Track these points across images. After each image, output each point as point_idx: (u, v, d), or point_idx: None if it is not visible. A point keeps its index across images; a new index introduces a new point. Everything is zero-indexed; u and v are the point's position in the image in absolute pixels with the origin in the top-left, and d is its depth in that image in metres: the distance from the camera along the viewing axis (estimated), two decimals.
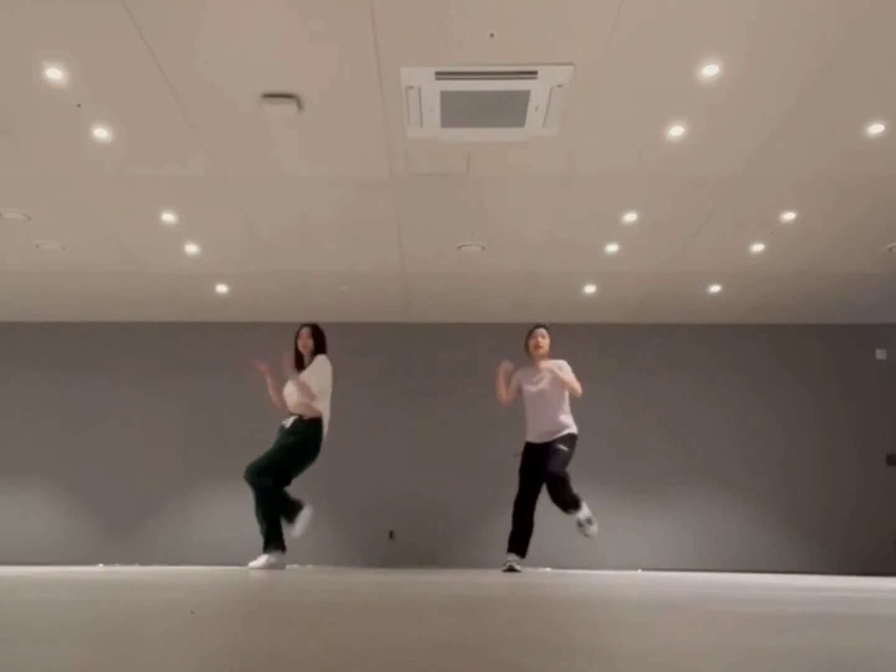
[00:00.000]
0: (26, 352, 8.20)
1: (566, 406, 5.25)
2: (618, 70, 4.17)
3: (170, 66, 4.15)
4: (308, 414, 4.97)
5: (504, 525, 8.02)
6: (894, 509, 7.74)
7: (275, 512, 4.86)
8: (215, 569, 5.44)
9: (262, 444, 7.93)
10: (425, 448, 7.95)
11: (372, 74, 4.21)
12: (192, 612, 1.50)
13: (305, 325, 5.25)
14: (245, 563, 7.45)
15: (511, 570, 5.21)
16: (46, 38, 3.92)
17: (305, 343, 5.14)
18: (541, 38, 3.91)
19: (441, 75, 4.16)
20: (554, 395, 5.22)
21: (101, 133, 4.77)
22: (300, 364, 5.11)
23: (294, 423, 4.98)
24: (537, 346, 5.31)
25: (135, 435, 8.00)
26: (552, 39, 3.92)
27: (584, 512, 5.06)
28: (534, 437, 5.27)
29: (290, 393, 5.02)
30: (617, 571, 6.66)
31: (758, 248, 6.34)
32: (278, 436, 5.05)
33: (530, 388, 5.28)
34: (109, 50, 4.00)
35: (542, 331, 5.38)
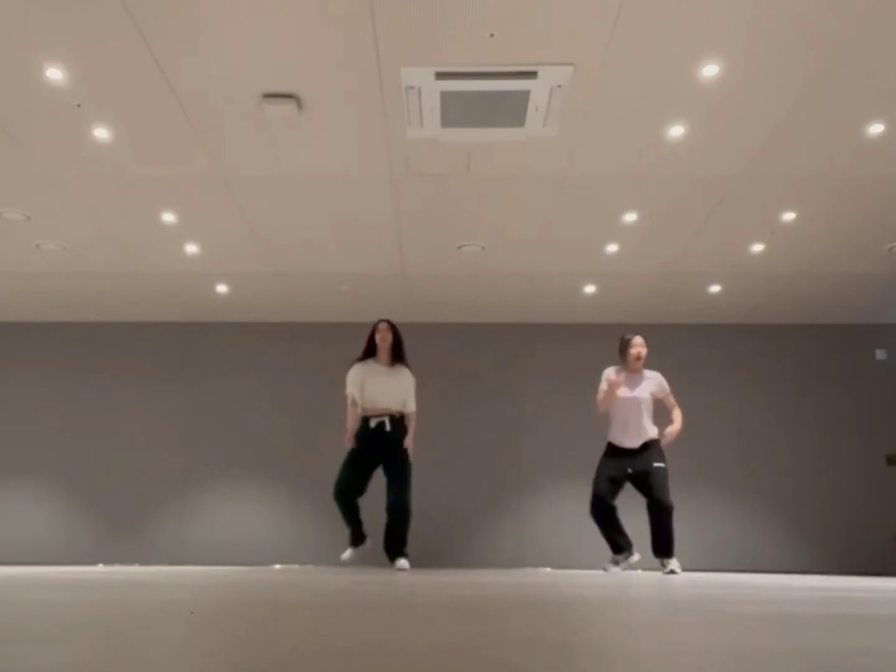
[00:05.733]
0: (26, 352, 8.20)
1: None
2: (618, 70, 4.17)
3: (170, 66, 4.15)
4: (394, 412, 5.12)
5: (503, 525, 8.03)
6: (894, 509, 7.74)
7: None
8: (215, 569, 5.44)
9: (262, 443, 7.98)
10: (425, 448, 7.93)
11: (372, 74, 4.21)
12: (192, 612, 1.50)
13: (383, 320, 5.32)
14: (244, 564, 7.47)
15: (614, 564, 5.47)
16: (46, 38, 3.92)
17: (385, 337, 5.21)
18: (541, 38, 3.91)
19: (441, 75, 4.16)
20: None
21: (101, 133, 4.77)
22: (372, 354, 5.22)
23: (393, 425, 5.08)
24: (638, 357, 5.49)
25: (135, 435, 8.00)
26: (552, 39, 3.92)
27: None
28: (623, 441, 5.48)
29: (385, 392, 5.11)
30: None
31: (758, 248, 6.34)
32: (367, 441, 5.08)
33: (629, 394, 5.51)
34: (109, 50, 4.00)
35: (642, 339, 5.57)
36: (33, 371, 8.15)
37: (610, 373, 5.50)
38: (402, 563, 4.95)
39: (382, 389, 5.13)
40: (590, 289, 7.32)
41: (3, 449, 7.99)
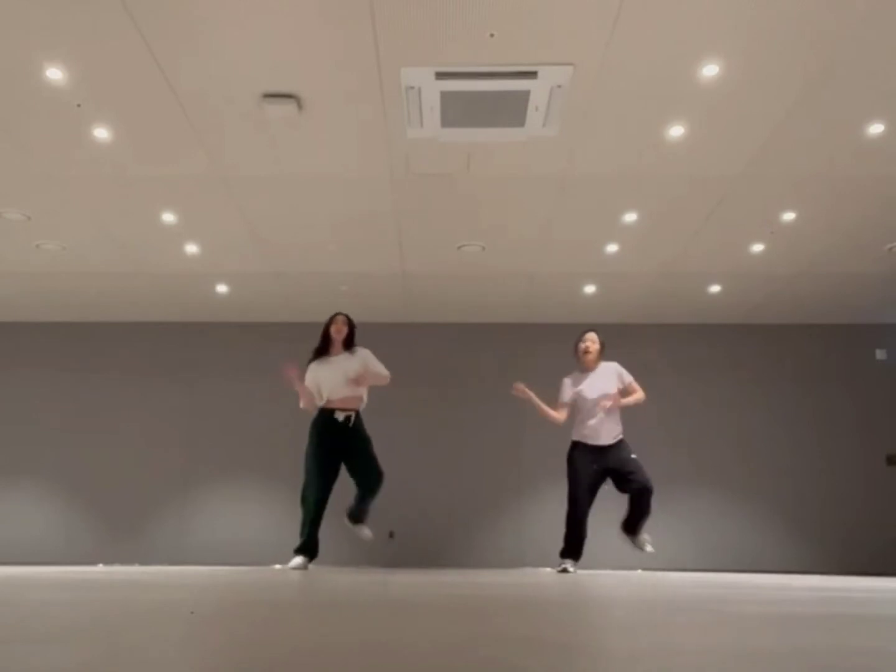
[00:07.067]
0: (26, 352, 8.20)
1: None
2: (618, 70, 4.17)
3: (170, 66, 4.15)
4: (359, 408, 5.08)
5: (503, 525, 8.03)
6: (894, 509, 7.74)
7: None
8: (215, 569, 5.44)
9: (262, 443, 7.97)
10: (425, 448, 7.95)
11: (372, 74, 4.21)
12: (192, 612, 1.50)
13: (340, 313, 5.26)
14: (244, 564, 7.45)
15: (565, 570, 5.32)
16: (46, 38, 3.91)
17: (340, 329, 5.15)
18: (541, 38, 3.91)
19: (441, 75, 4.16)
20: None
21: (101, 133, 4.76)
22: (326, 351, 5.15)
23: (357, 421, 5.05)
24: (586, 352, 5.37)
25: (135, 435, 8.00)
26: (552, 39, 3.92)
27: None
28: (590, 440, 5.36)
29: (339, 387, 5.02)
30: (617, 571, 6.65)
31: (758, 248, 6.34)
32: (331, 433, 5.00)
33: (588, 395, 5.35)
34: (109, 50, 4.00)
35: (592, 335, 5.46)
36: (33, 371, 8.15)
37: (564, 384, 5.46)
38: (368, 532, 5.09)
39: (341, 379, 5.04)
40: (590, 289, 7.32)
41: (3, 449, 7.99)
